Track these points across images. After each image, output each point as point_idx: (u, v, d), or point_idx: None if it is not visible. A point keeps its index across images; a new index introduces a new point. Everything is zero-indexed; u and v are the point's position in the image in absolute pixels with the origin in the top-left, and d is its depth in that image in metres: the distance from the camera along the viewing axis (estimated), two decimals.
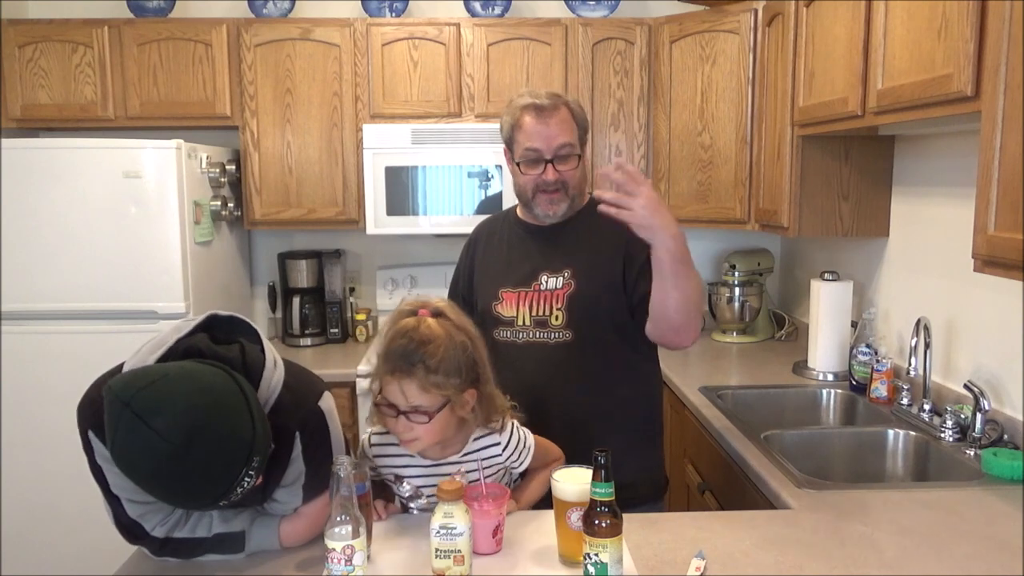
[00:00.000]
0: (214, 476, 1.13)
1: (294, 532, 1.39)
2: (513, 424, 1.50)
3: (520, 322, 1.80)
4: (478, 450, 1.48)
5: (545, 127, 1.75)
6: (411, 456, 1.47)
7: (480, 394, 1.42)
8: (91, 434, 1.28)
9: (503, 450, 1.49)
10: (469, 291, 1.95)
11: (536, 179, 1.78)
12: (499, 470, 1.52)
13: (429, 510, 1.34)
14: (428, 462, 1.48)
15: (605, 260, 1.80)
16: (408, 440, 1.39)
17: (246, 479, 1.15)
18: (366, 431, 1.55)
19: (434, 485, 1.35)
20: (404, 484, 1.48)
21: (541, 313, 1.79)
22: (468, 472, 1.41)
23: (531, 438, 1.54)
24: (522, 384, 1.67)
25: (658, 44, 3.11)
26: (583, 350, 1.75)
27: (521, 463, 1.54)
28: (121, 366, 1.28)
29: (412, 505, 1.52)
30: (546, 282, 1.79)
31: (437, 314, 1.40)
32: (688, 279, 1.62)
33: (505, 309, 1.82)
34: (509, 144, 1.84)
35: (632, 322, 1.78)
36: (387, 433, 1.46)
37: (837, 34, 2.12)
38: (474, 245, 1.99)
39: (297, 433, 1.33)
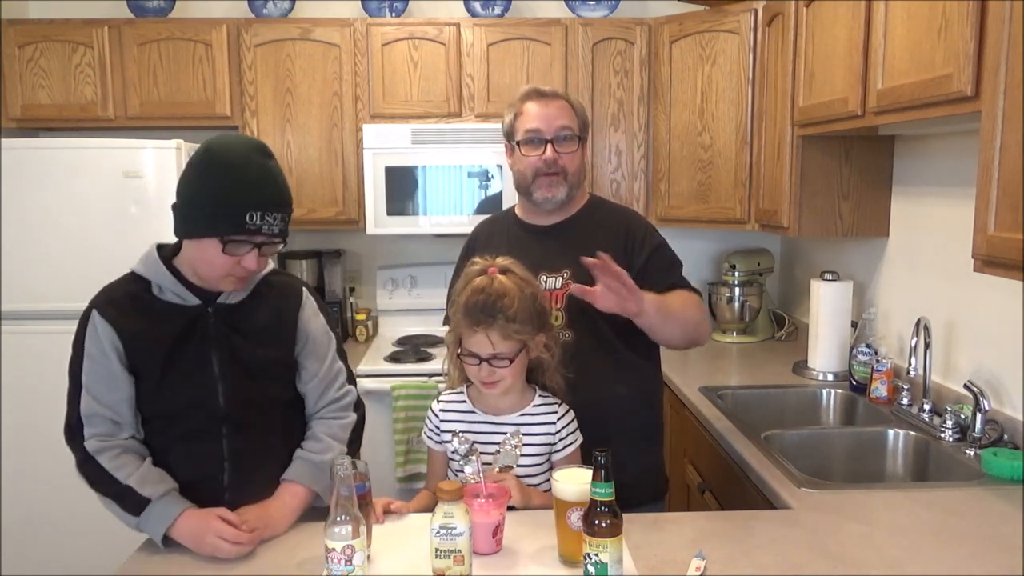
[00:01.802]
0: (279, 180, 1.46)
1: (186, 527, 1.38)
2: (568, 408, 1.62)
3: None
4: (536, 414, 1.59)
5: (545, 109, 1.81)
6: (473, 412, 1.60)
7: (547, 338, 1.58)
8: (95, 312, 1.46)
9: (558, 419, 1.59)
10: None
11: (536, 161, 1.80)
12: (546, 447, 1.58)
13: (476, 476, 1.43)
14: (488, 418, 1.59)
15: None
16: (491, 383, 1.53)
17: (285, 213, 1.45)
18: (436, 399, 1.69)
19: (492, 444, 1.54)
20: (461, 442, 1.55)
21: None
22: (523, 435, 1.56)
23: (580, 435, 1.62)
24: None
25: (658, 44, 3.11)
26: (583, 350, 1.75)
27: (566, 446, 1.59)
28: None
29: (466, 469, 1.51)
30: (545, 282, 1.79)
31: (504, 271, 1.56)
32: (673, 314, 1.72)
33: None
34: (510, 136, 1.87)
35: (631, 323, 1.78)
36: (454, 392, 1.64)
37: (837, 34, 2.12)
38: (473, 245, 1.98)
39: (303, 289, 1.59)
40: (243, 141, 1.49)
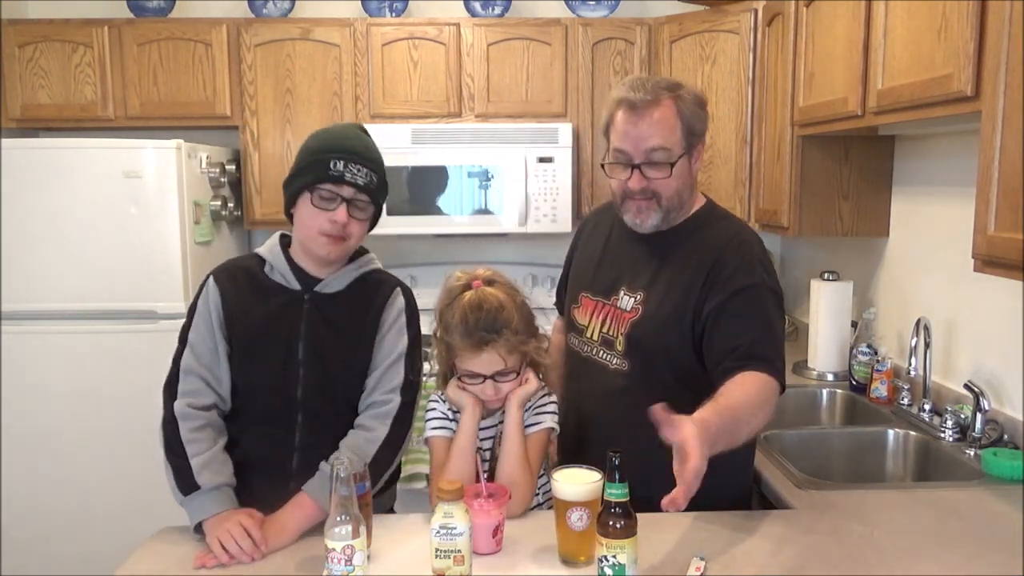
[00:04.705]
0: (368, 143, 1.54)
1: (216, 522, 1.38)
2: (549, 392, 1.59)
3: (589, 334, 1.65)
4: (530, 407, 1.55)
5: (635, 127, 1.51)
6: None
7: (539, 340, 1.55)
8: (210, 278, 1.55)
9: (539, 398, 1.55)
10: (565, 284, 1.82)
11: (623, 184, 1.57)
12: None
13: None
14: (484, 423, 1.53)
15: (681, 291, 1.55)
16: (496, 400, 1.49)
17: (370, 168, 1.49)
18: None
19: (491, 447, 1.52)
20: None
21: (610, 332, 1.61)
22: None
23: (551, 422, 1.55)
24: (574, 404, 1.64)
25: (658, 44, 3.11)
26: (637, 387, 1.55)
27: (527, 424, 1.52)
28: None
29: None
30: (622, 299, 1.61)
31: (489, 283, 1.51)
32: (738, 435, 1.37)
33: (581, 316, 1.68)
34: (606, 136, 1.63)
35: (696, 365, 1.55)
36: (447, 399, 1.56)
37: (837, 34, 2.12)
38: (580, 234, 1.84)
39: (398, 287, 1.59)
40: (345, 123, 1.69)
